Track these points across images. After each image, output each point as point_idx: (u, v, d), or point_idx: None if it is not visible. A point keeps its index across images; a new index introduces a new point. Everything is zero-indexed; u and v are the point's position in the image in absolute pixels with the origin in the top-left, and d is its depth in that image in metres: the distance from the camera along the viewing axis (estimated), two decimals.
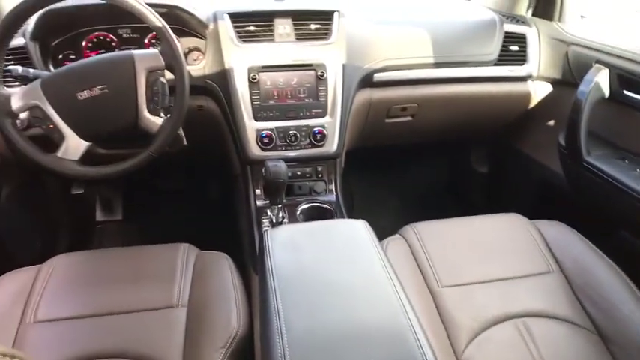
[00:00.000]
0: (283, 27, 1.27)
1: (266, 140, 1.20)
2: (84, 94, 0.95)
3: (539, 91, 1.48)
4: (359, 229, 0.81)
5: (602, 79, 1.18)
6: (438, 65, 1.37)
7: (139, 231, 1.76)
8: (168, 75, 1.01)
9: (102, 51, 1.26)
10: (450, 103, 1.47)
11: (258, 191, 1.24)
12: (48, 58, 1.22)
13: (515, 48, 1.43)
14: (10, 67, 1.00)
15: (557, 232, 1.09)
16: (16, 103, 0.95)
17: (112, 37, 1.27)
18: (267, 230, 0.82)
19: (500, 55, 1.41)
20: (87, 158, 0.99)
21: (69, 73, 0.98)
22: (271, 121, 1.21)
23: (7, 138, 0.97)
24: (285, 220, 1.12)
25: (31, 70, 1.02)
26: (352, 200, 1.82)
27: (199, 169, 1.80)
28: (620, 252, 1.04)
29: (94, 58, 1.01)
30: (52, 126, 0.96)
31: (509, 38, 1.43)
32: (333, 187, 1.28)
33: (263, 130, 1.20)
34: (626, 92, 1.17)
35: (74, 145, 0.97)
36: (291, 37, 1.27)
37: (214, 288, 0.94)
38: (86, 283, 0.95)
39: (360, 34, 1.32)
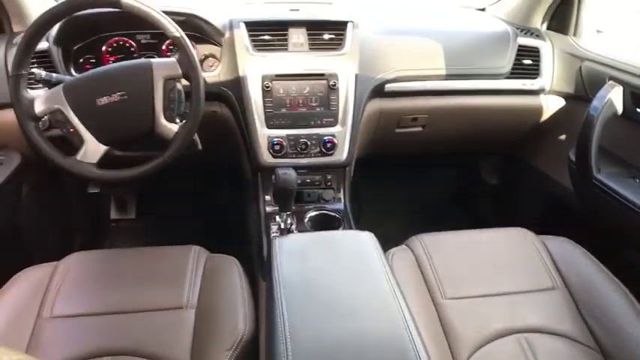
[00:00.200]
0: (297, 36, 1.29)
1: (277, 147, 1.22)
2: (103, 100, 0.99)
3: (551, 105, 1.47)
4: (365, 241, 0.83)
5: (615, 96, 1.17)
6: (450, 77, 1.37)
7: (151, 230, 1.80)
8: (184, 80, 1.04)
9: (121, 56, 1.30)
10: (460, 115, 1.47)
11: (267, 197, 1.26)
12: (69, 61, 1.26)
13: (528, 61, 1.43)
14: (33, 69, 1.04)
15: (563, 248, 1.09)
16: (39, 107, 0.99)
17: (131, 42, 1.31)
18: (275, 238, 0.84)
19: (513, 69, 1.40)
20: (104, 160, 1.03)
21: (90, 79, 1.02)
22: (283, 128, 1.23)
23: (29, 140, 1.01)
24: (294, 227, 1.14)
25: (54, 75, 1.06)
26: (360, 208, 1.84)
27: (211, 171, 1.84)
28: (627, 270, 1.04)
29: (113, 65, 1.05)
30: (72, 130, 1.00)
31: (523, 51, 1.42)
32: (341, 195, 1.30)
33: (274, 137, 1.22)
34: (639, 110, 1.17)
35: (93, 149, 1.01)
36: (305, 46, 1.29)
37: (223, 291, 0.96)
38: (100, 281, 0.98)
39: (372, 44, 1.33)
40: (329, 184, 1.29)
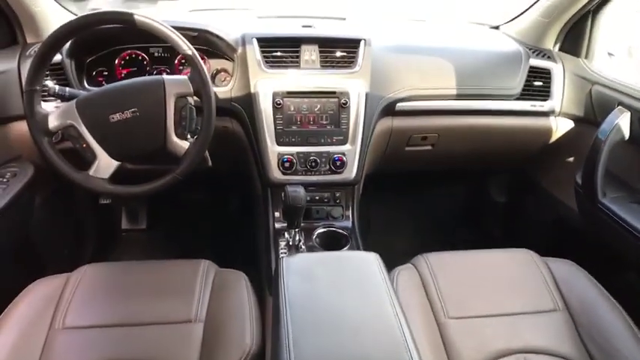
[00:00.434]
0: (309, 53, 1.30)
1: (287, 164, 1.23)
2: (116, 117, 1.00)
3: (560, 127, 1.47)
4: (371, 262, 0.84)
5: (623, 121, 1.18)
6: (460, 97, 1.38)
7: (161, 240, 1.83)
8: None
9: (134, 69, 1.32)
10: (470, 135, 1.48)
11: (277, 214, 1.27)
12: (82, 74, 1.28)
13: (539, 83, 1.43)
14: (47, 82, 1.06)
15: (566, 270, 1.09)
16: (52, 122, 1.00)
17: (144, 55, 1.32)
18: (283, 257, 0.86)
19: (523, 90, 1.41)
20: (116, 174, 1.04)
21: (102, 95, 1.03)
22: (293, 146, 1.24)
23: (43, 155, 1.02)
24: (302, 243, 1.16)
25: (67, 89, 1.08)
26: (368, 224, 1.85)
27: (222, 184, 1.86)
28: (630, 294, 1.04)
29: (126, 81, 1.05)
30: (85, 145, 1.01)
31: (534, 73, 1.43)
32: (350, 212, 1.30)
33: (285, 154, 1.23)
34: None
35: (105, 164, 1.02)
36: (317, 64, 1.30)
37: (231, 306, 0.98)
38: (111, 293, 1.00)
39: (384, 61, 1.33)
40: (338, 201, 1.30)
